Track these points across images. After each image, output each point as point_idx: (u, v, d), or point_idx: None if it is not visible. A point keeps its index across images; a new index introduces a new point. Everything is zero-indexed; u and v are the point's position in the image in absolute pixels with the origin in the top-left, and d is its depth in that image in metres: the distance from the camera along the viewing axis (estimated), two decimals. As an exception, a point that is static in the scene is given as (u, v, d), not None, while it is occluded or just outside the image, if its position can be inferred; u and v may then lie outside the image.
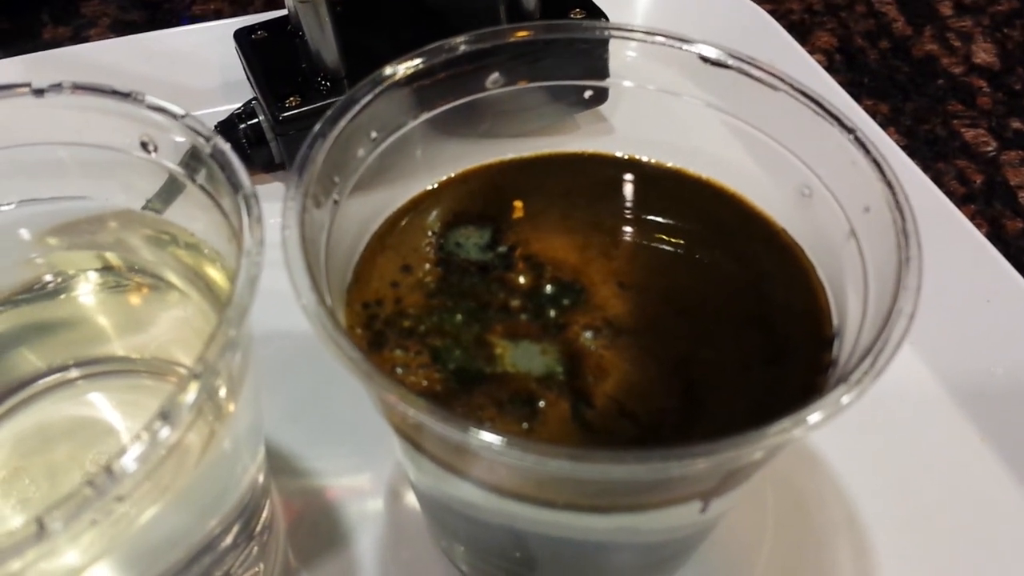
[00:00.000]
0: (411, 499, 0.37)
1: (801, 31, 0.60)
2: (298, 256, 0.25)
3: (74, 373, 0.33)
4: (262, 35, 0.51)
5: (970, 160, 0.52)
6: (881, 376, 0.23)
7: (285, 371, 0.40)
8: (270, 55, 0.50)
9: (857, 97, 0.53)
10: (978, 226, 0.47)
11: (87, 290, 0.33)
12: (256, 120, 0.49)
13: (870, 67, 0.58)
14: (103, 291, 0.33)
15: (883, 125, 0.53)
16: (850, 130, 0.28)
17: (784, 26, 0.56)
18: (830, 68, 0.57)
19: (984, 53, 0.60)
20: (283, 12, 0.51)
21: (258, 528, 0.34)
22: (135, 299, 0.34)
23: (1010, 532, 0.37)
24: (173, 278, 0.33)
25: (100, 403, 0.33)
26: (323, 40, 0.47)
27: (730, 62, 0.30)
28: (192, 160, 0.29)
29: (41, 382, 0.33)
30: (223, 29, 0.53)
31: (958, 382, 0.40)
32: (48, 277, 0.32)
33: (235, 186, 0.26)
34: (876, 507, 0.37)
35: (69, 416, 0.33)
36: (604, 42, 0.32)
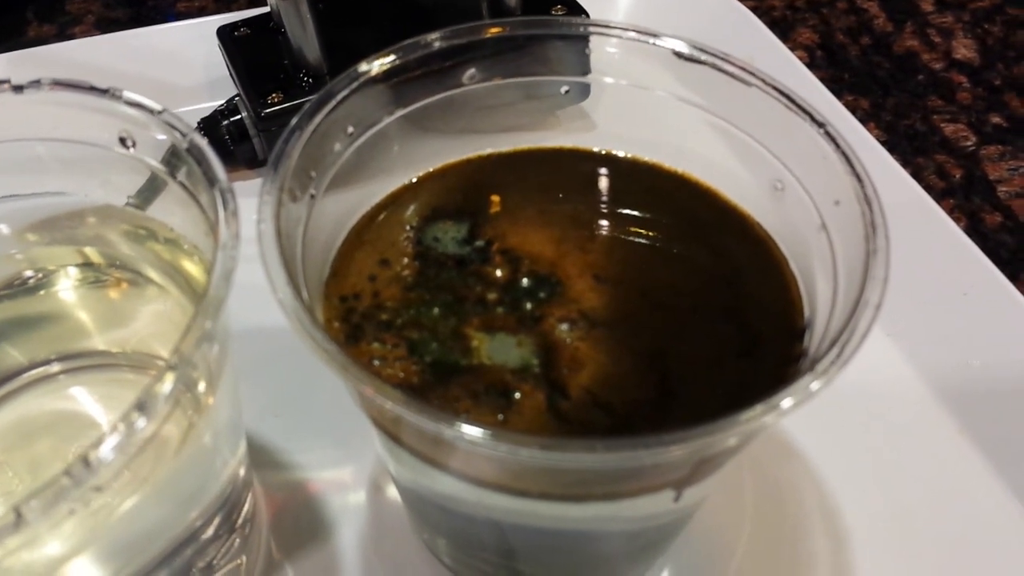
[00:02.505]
0: (393, 492, 0.38)
1: (783, 27, 0.61)
2: (274, 250, 0.25)
3: (55, 368, 0.33)
4: (245, 32, 0.51)
5: (949, 155, 0.53)
6: (848, 364, 0.23)
7: (266, 365, 0.40)
8: (253, 52, 0.50)
9: (838, 93, 0.53)
10: (957, 220, 0.48)
11: (67, 285, 0.33)
12: (239, 117, 0.49)
13: (851, 63, 0.59)
14: (83, 286, 0.33)
15: (863, 120, 0.53)
16: (820, 124, 0.28)
17: (766, 23, 0.56)
18: (811, 64, 0.58)
19: (964, 49, 0.60)
20: (266, 9, 0.51)
21: (240, 520, 0.35)
22: (115, 294, 0.34)
23: (986, 522, 0.37)
24: (152, 273, 0.33)
25: (81, 397, 0.34)
26: (305, 37, 0.47)
27: (703, 57, 0.31)
28: (173, 157, 0.29)
29: (22, 377, 0.33)
30: (207, 26, 0.53)
31: (935, 374, 0.41)
32: (28, 273, 0.33)
33: (211, 180, 0.26)
34: (853, 498, 0.37)
35: (51, 410, 0.33)
36: (581, 38, 0.33)
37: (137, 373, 0.34)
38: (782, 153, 0.30)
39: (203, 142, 0.27)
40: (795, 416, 0.38)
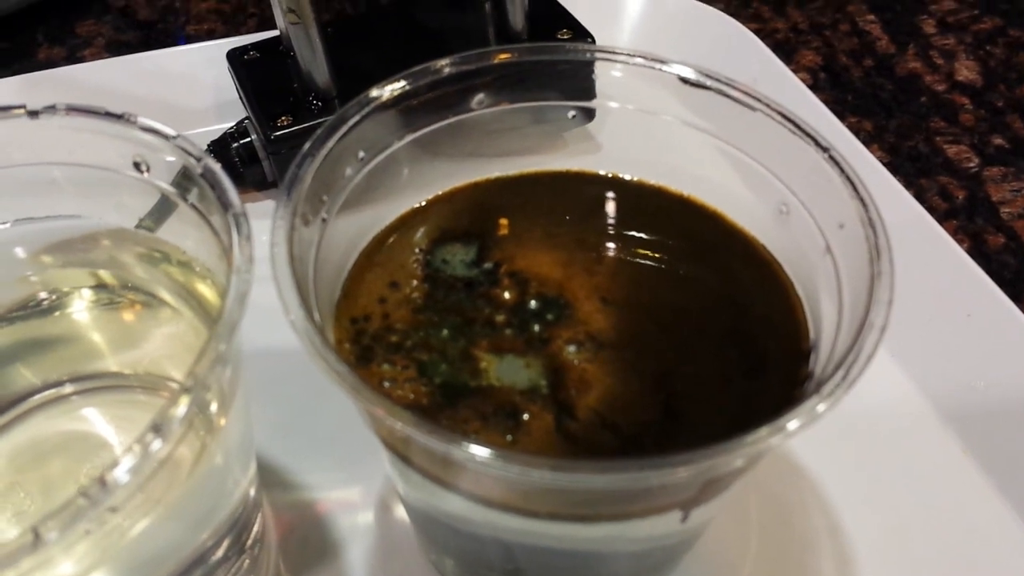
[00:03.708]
0: (401, 512, 0.38)
1: (786, 50, 0.61)
2: (286, 273, 0.25)
3: (68, 389, 0.34)
4: (254, 56, 0.52)
5: (952, 176, 0.53)
6: (854, 386, 0.23)
7: (277, 386, 0.41)
8: (262, 75, 0.51)
9: (841, 115, 0.54)
10: (960, 241, 0.48)
11: (81, 307, 0.34)
12: (249, 139, 0.50)
13: (854, 85, 0.59)
14: (97, 308, 0.34)
15: (867, 142, 0.54)
16: (825, 148, 0.29)
17: (769, 45, 0.57)
18: (815, 86, 0.58)
19: (967, 70, 0.61)
20: (275, 33, 0.51)
21: (249, 541, 0.35)
22: (128, 316, 0.34)
23: (990, 543, 0.37)
24: (165, 295, 0.33)
25: (94, 418, 0.34)
26: (314, 61, 0.48)
27: (708, 83, 0.31)
28: (183, 180, 0.30)
29: (36, 397, 0.33)
30: (216, 50, 0.53)
31: (940, 395, 0.41)
32: (43, 294, 0.33)
33: (225, 205, 0.27)
34: (858, 517, 0.38)
35: (63, 431, 0.34)
36: (587, 64, 0.33)
37: (149, 395, 0.35)
38: (787, 177, 0.30)
39: (217, 167, 0.28)
40: (801, 437, 0.39)
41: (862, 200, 0.27)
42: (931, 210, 0.48)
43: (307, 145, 0.28)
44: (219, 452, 0.31)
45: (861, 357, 0.24)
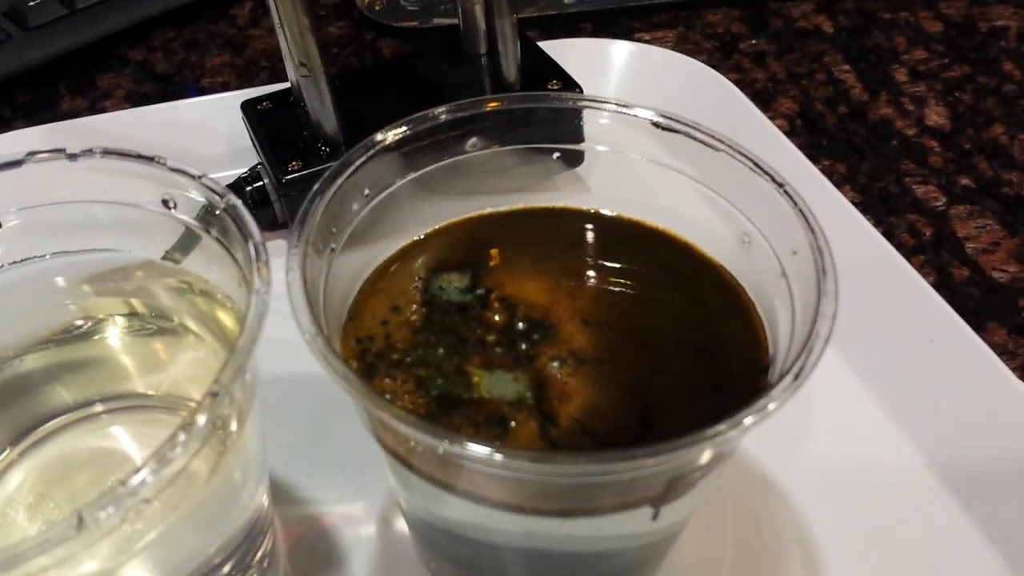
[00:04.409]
0: (401, 524, 0.41)
1: (764, 98, 0.65)
2: (300, 296, 0.29)
3: (98, 408, 0.37)
4: (267, 106, 0.55)
5: (920, 214, 0.57)
6: (801, 389, 0.26)
7: (289, 410, 0.44)
8: (274, 124, 0.54)
9: (816, 158, 0.57)
10: (926, 275, 0.51)
11: (114, 333, 0.37)
12: (261, 183, 0.53)
13: (828, 130, 0.63)
14: (128, 334, 0.37)
15: (839, 184, 0.57)
16: (780, 184, 0.32)
17: (749, 94, 0.61)
18: (791, 132, 0.62)
19: (936, 116, 0.64)
20: (286, 85, 0.55)
21: (260, 554, 0.38)
22: (155, 341, 0.38)
23: (953, 551, 0.40)
24: (190, 322, 0.37)
25: (119, 435, 0.37)
26: (323, 110, 0.52)
27: (678, 127, 0.35)
28: (207, 215, 0.33)
29: (67, 416, 0.36)
30: (231, 100, 0.57)
31: (904, 414, 0.44)
32: (79, 321, 0.36)
33: (246, 236, 0.30)
34: (827, 529, 0.40)
35: (91, 447, 0.37)
36: (572, 111, 0.37)
37: (171, 414, 0.38)
38: (748, 210, 0.34)
39: (238, 202, 0.31)
40: (774, 454, 0.42)
41: (812, 229, 0.31)
42: (899, 246, 0.51)
43: (318, 183, 0.32)
44: (234, 466, 0.34)
45: (808, 364, 0.27)
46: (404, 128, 0.34)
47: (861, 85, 0.67)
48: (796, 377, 0.27)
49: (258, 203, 0.53)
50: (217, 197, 0.31)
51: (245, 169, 0.54)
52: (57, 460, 0.37)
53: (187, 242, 0.34)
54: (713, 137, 0.34)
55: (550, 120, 0.37)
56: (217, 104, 0.60)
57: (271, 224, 0.54)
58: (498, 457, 0.24)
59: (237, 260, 0.32)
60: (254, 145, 0.55)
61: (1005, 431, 0.42)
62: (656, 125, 0.35)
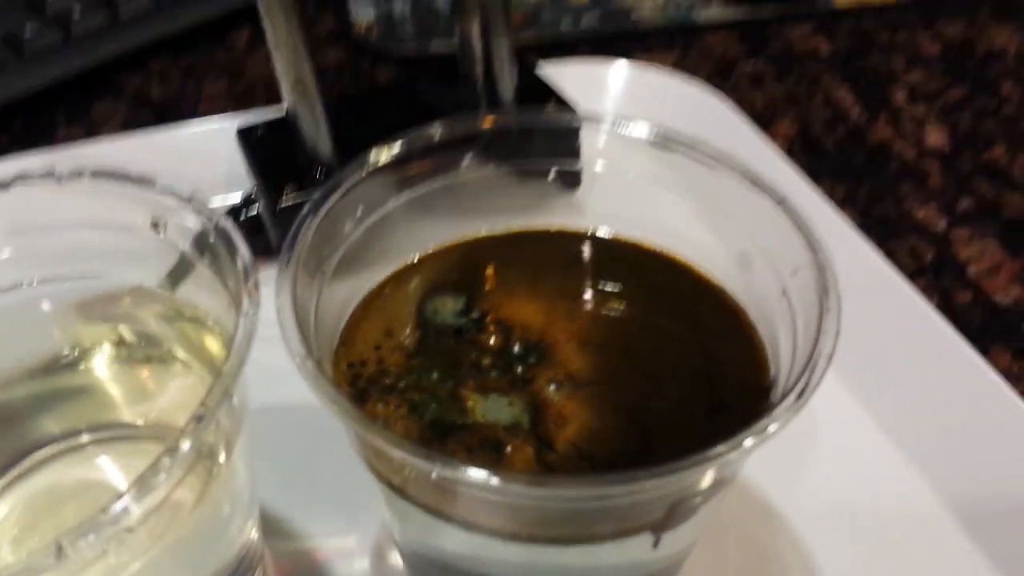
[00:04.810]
0: (395, 558, 0.40)
1: (763, 120, 0.64)
2: (290, 318, 0.28)
3: (85, 438, 0.36)
4: (262, 132, 0.55)
5: (921, 237, 0.56)
6: (803, 409, 0.26)
7: (280, 441, 0.43)
8: (270, 150, 0.54)
9: (815, 180, 0.57)
10: (929, 297, 0.50)
11: (101, 361, 0.36)
12: (256, 210, 0.53)
13: (828, 152, 0.63)
14: (115, 362, 0.36)
15: (839, 205, 0.57)
16: (780, 201, 0.32)
17: (747, 116, 0.60)
18: (790, 153, 0.62)
19: (936, 137, 0.64)
20: (281, 113, 0.55)
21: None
22: (143, 370, 0.37)
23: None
24: (178, 350, 0.36)
25: (106, 466, 0.36)
26: (318, 134, 0.51)
27: (676, 145, 0.34)
28: (200, 240, 0.32)
29: (53, 446, 0.36)
30: (227, 126, 0.57)
31: (909, 439, 0.43)
32: (66, 350, 0.36)
33: (235, 257, 0.30)
34: (832, 557, 0.39)
35: (77, 478, 0.36)
36: (569, 129, 0.36)
37: (158, 444, 0.37)
38: (748, 228, 0.33)
39: (228, 223, 0.31)
40: (778, 481, 0.41)
41: (812, 246, 0.30)
42: (901, 269, 0.51)
43: (309, 203, 0.31)
44: (222, 497, 0.33)
45: (811, 383, 0.26)
46: (398, 146, 0.34)
47: (860, 107, 0.67)
48: (799, 397, 0.26)
49: (252, 230, 0.52)
50: (206, 219, 0.31)
51: (240, 194, 0.53)
52: (43, 492, 0.36)
53: (180, 270, 0.34)
54: (711, 154, 0.33)
55: (546, 139, 0.36)
56: (213, 130, 0.60)
57: (265, 251, 0.53)
58: (493, 481, 0.23)
59: (227, 284, 0.31)
60: (249, 171, 0.54)
61: (1011, 454, 0.41)
62: (653, 143, 0.34)
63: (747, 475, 0.42)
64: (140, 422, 0.37)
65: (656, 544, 0.29)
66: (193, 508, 0.30)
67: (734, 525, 0.40)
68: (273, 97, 0.66)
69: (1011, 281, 0.53)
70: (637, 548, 0.29)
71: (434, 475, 0.25)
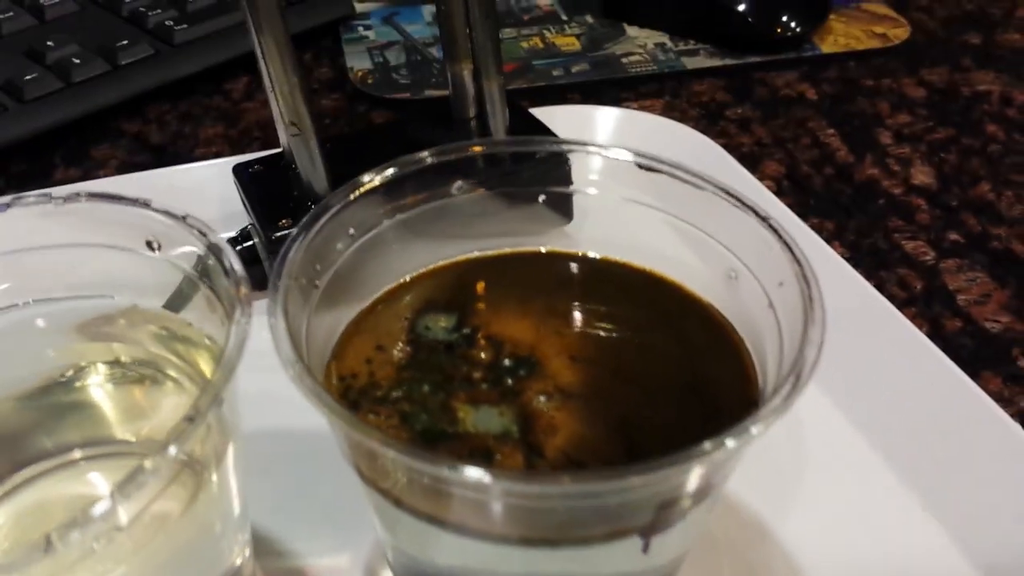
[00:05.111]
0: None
1: (751, 162, 0.66)
2: (281, 323, 0.28)
3: (76, 454, 0.36)
4: (258, 168, 0.56)
5: (911, 268, 0.57)
6: (787, 413, 0.26)
7: (273, 465, 0.43)
8: (265, 185, 0.55)
9: (804, 216, 0.58)
10: (919, 325, 0.51)
11: (95, 380, 0.36)
12: (251, 243, 0.53)
13: (815, 190, 0.64)
14: (109, 381, 0.37)
15: (828, 240, 0.58)
16: (764, 218, 0.32)
17: (736, 157, 0.61)
18: (778, 192, 0.63)
19: (922, 175, 0.65)
20: (277, 150, 0.56)
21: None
22: (136, 388, 0.37)
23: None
24: (171, 369, 0.36)
25: (97, 482, 0.36)
26: (313, 171, 0.52)
27: (662, 168, 0.35)
28: (198, 264, 0.33)
29: (45, 462, 0.36)
30: (222, 167, 0.58)
31: (901, 457, 0.43)
32: (60, 368, 0.36)
33: (227, 271, 0.30)
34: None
35: (68, 494, 0.36)
36: (558, 155, 0.37)
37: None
38: (734, 246, 0.34)
39: (221, 239, 0.31)
40: (770, 502, 0.41)
41: (798, 260, 0.31)
42: (890, 298, 0.51)
43: (304, 219, 0.32)
44: (212, 513, 0.33)
45: (796, 389, 0.27)
46: (389, 170, 0.35)
47: (846, 148, 0.68)
48: (782, 402, 0.26)
49: (248, 262, 0.52)
50: (199, 234, 0.32)
51: (235, 231, 0.54)
52: (34, 507, 0.36)
53: (182, 296, 0.34)
54: (697, 176, 0.34)
55: (536, 164, 0.37)
56: (209, 170, 0.60)
57: (260, 283, 0.54)
58: (484, 478, 0.24)
59: (221, 300, 0.32)
60: (245, 206, 0.55)
61: (1002, 473, 0.41)
62: (640, 166, 0.35)
63: (739, 494, 0.42)
64: (132, 439, 0.38)
65: (646, 548, 0.29)
66: (180, 519, 0.30)
67: (727, 543, 0.40)
68: (268, 143, 0.68)
69: (1000, 309, 0.54)
70: (627, 553, 0.29)
71: (425, 477, 0.25)
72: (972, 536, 0.40)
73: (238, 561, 0.36)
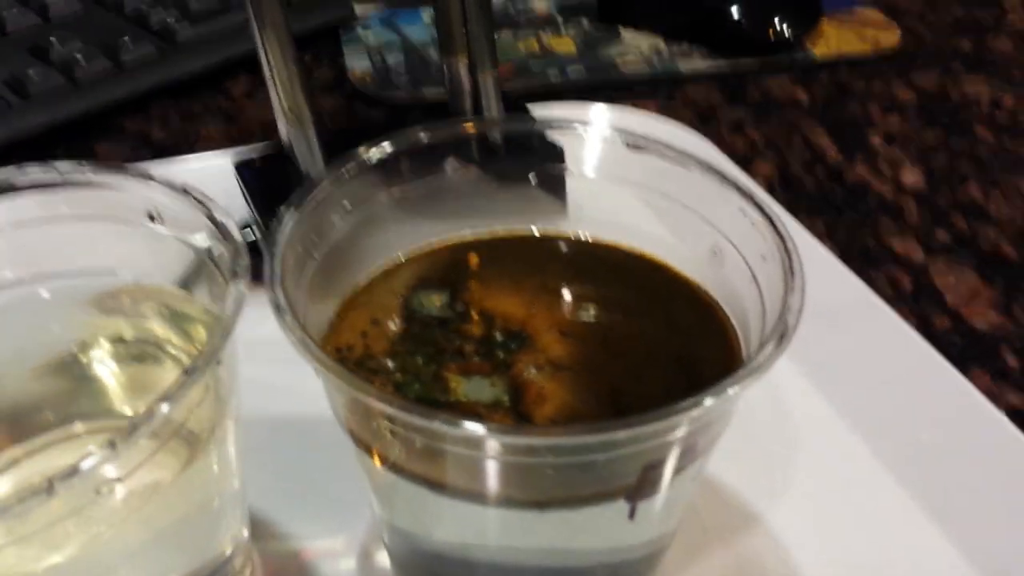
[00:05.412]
0: (382, 558, 0.40)
1: (743, 162, 0.67)
2: (281, 294, 0.29)
3: (78, 428, 0.37)
4: (259, 164, 0.57)
5: (900, 267, 0.58)
6: (763, 374, 0.27)
7: (270, 447, 0.44)
8: (266, 180, 0.56)
9: (794, 215, 0.59)
10: (909, 322, 0.52)
11: (98, 355, 0.37)
12: (253, 240, 0.54)
13: (807, 191, 0.65)
14: (112, 356, 0.37)
15: (819, 238, 0.58)
16: (748, 195, 0.33)
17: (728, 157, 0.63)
18: (770, 192, 0.64)
19: (912, 176, 0.66)
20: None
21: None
22: (139, 364, 0.38)
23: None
24: (174, 346, 0.37)
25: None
26: (313, 163, 0.53)
27: (649, 146, 0.36)
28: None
29: (46, 436, 0.36)
30: (223, 162, 0.58)
31: (889, 449, 0.44)
32: (64, 344, 0.37)
33: (227, 237, 0.31)
34: (813, 565, 0.40)
35: (67, 465, 0.37)
36: (547, 134, 0.38)
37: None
38: (718, 222, 0.34)
39: (220, 209, 0.32)
40: (759, 492, 0.42)
41: (779, 234, 0.32)
42: (880, 295, 0.52)
43: (299, 190, 0.33)
44: (206, 485, 0.33)
45: (774, 354, 0.28)
46: (385, 145, 0.35)
47: (836, 149, 0.69)
48: (760, 364, 0.27)
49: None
50: (198, 203, 0.32)
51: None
52: (35, 479, 0.36)
53: (195, 273, 0.35)
54: (683, 154, 0.35)
55: (529, 144, 0.38)
56: (210, 164, 0.61)
57: (259, 275, 0.54)
58: (478, 430, 0.24)
59: (222, 270, 0.33)
60: (246, 199, 0.56)
61: (989, 463, 0.42)
62: (627, 144, 0.36)
63: (730, 485, 0.43)
64: (131, 412, 0.38)
65: (632, 514, 0.30)
66: (172, 487, 0.31)
67: (716, 533, 0.41)
68: (271, 136, 0.68)
69: (988, 307, 0.55)
70: (614, 518, 0.30)
71: (417, 434, 0.25)
72: (961, 526, 0.41)
73: (235, 542, 0.37)
